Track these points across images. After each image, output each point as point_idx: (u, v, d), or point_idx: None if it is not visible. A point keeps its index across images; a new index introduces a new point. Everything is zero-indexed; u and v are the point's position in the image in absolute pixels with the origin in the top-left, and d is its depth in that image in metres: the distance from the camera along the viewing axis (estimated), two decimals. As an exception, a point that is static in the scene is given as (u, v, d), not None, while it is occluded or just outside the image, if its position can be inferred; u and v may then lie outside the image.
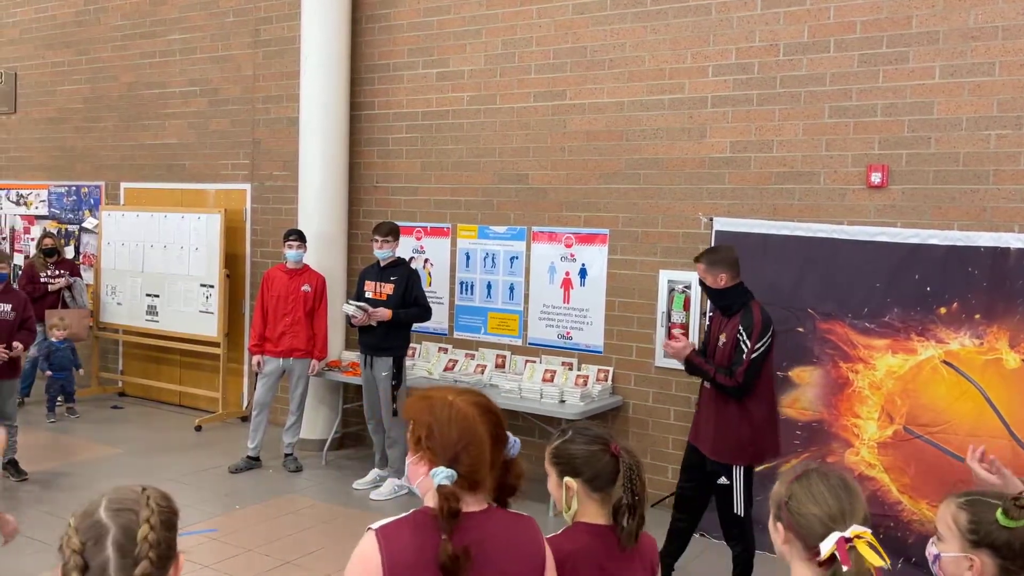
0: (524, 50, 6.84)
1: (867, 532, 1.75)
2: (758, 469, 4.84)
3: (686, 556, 5.08)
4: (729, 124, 6.02)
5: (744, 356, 4.47)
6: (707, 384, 4.73)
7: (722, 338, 4.66)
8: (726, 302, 4.67)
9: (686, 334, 6.10)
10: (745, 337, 4.49)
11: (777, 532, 1.89)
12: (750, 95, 5.94)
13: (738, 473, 4.59)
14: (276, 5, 8.14)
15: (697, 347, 4.88)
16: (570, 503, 2.23)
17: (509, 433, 2.01)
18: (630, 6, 6.37)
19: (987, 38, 5.23)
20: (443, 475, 1.86)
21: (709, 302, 5.81)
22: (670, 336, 4.87)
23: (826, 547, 1.74)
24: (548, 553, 2.03)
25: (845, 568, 1.70)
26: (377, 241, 6.48)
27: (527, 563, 1.97)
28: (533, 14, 6.79)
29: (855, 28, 5.59)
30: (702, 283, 4.78)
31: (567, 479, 2.23)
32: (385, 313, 6.32)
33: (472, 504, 1.93)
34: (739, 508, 4.61)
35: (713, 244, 5.83)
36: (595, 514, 2.25)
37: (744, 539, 4.67)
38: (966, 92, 5.30)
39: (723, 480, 4.63)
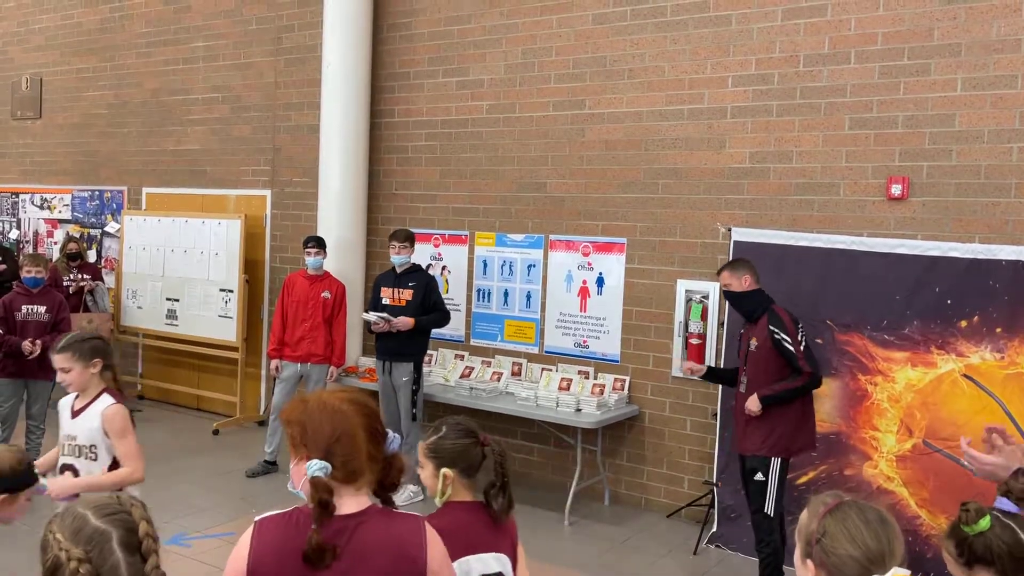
0: (544, 59, 6.87)
1: (907, 574, 1.64)
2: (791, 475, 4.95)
3: (698, 567, 5.06)
4: (748, 134, 6.01)
5: (794, 349, 4.68)
6: (742, 390, 4.91)
7: (753, 342, 4.85)
8: (749, 306, 4.89)
9: (703, 343, 6.09)
10: (784, 335, 4.70)
11: (807, 569, 1.77)
12: (770, 105, 5.93)
13: (774, 466, 4.73)
14: (298, 14, 8.22)
15: (755, 394, 4.87)
16: (445, 490, 2.52)
17: (389, 430, 2.06)
18: (650, 16, 6.38)
19: (1010, 50, 5.20)
20: (316, 467, 1.92)
21: (728, 313, 5.83)
22: (743, 410, 4.94)
23: None
24: (434, 554, 2.02)
25: None
26: (395, 247, 6.54)
27: (405, 565, 1.97)
28: (553, 24, 6.81)
29: (876, 39, 5.57)
30: (727, 292, 4.98)
31: (444, 470, 2.51)
32: (408, 321, 6.35)
33: (350, 504, 1.97)
34: (769, 506, 4.67)
35: (732, 254, 5.82)
36: (466, 496, 2.56)
37: (772, 541, 4.68)
38: (988, 104, 5.26)
39: (759, 476, 4.74)
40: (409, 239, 6.59)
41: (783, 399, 4.76)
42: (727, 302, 5.24)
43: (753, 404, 4.79)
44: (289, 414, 2.03)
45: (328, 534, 1.90)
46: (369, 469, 1.99)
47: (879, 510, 1.77)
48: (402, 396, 6.45)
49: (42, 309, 6.34)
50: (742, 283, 4.89)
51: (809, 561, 1.75)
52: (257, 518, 2.00)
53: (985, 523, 1.82)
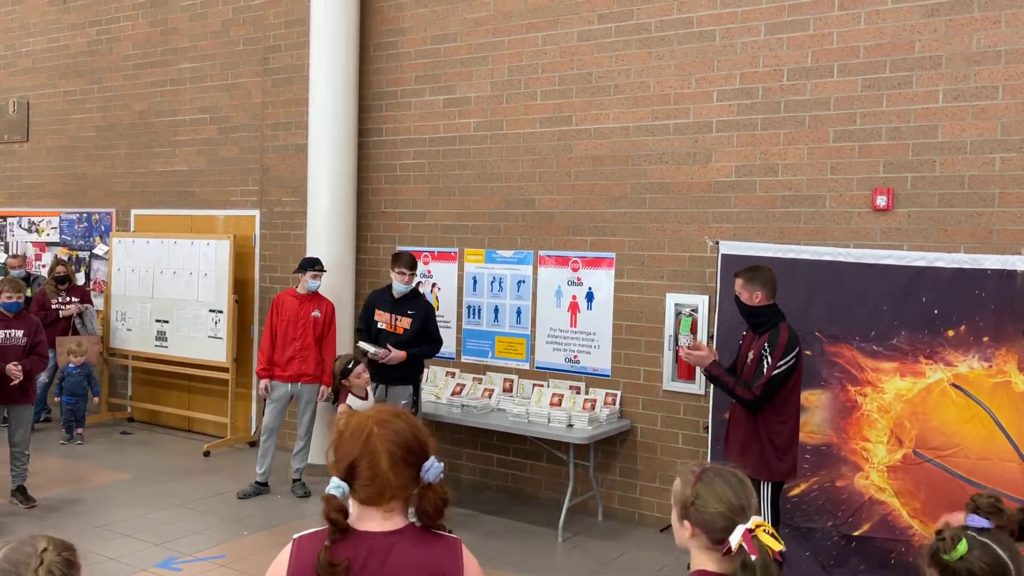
0: (530, 76, 6.91)
1: (764, 522, 1.94)
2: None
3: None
4: (734, 148, 6.06)
5: (764, 371, 4.62)
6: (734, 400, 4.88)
7: (750, 355, 4.81)
8: (758, 320, 4.81)
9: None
10: (768, 353, 4.64)
11: (684, 528, 2.06)
12: (755, 119, 5.98)
13: (765, 490, 4.68)
14: (285, 34, 8.25)
15: (717, 359, 4.91)
16: None
17: (433, 458, 2.00)
18: (634, 32, 6.43)
19: (990, 62, 5.26)
20: (334, 485, 1.94)
21: (718, 326, 5.85)
22: (691, 345, 5.00)
23: (735, 540, 1.92)
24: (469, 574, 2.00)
25: (754, 557, 1.87)
26: (404, 274, 6.32)
27: None
28: (539, 41, 6.86)
29: (858, 53, 5.63)
30: (736, 299, 4.89)
31: None
32: (400, 356, 6.22)
33: (378, 522, 1.96)
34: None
35: (720, 267, 5.85)
36: None
37: None
38: (970, 115, 5.32)
39: None
40: (413, 266, 6.41)
41: (720, 385, 4.89)
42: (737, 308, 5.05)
43: (702, 362, 4.88)
44: (335, 424, 2.05)
45: (361, 552, 1.91)
46: (397, 494, 1.96)
47: (735, 472, 2.07)
48: None
49: (19, 333, 6.28)
50: (753, 298, 4.78)
51: (686, 522, 2.05)
52: (296, 535, 2.00)
53: (963, 548, 1.90)
